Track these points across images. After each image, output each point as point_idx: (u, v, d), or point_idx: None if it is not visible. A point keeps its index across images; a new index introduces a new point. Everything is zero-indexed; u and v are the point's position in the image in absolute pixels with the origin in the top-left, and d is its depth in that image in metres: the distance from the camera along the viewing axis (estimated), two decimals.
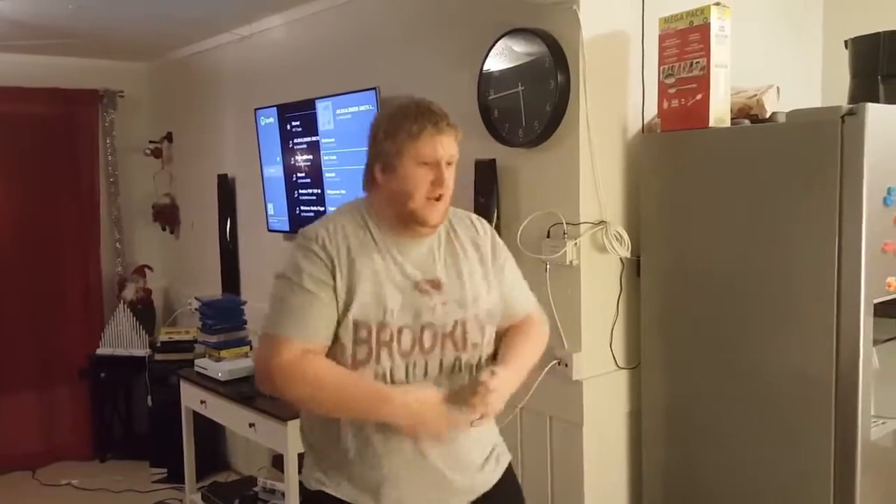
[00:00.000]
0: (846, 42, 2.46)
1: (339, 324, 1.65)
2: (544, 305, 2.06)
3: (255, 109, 3.77)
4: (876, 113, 1.95)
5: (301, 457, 3.00)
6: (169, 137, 4.99)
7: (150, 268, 5.02)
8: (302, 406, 1.77)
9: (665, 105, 2.37)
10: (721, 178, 2.27)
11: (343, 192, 3.29)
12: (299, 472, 3.05)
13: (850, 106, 1.97)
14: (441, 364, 1.70)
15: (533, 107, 2.44)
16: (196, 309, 3.80)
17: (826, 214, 2.00)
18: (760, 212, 2.16)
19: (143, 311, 4.85)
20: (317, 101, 3.33)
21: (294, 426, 2.82)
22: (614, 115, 2.47)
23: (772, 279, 2.14)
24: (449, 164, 1.67)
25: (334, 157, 3.31)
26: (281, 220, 3.76)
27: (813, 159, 2.03)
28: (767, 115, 2.35)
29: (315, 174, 3.44)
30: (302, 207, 3.58)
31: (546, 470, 2.56)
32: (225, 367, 3.45)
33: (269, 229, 3.87)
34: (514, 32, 2.48)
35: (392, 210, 1.69)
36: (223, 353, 3.55)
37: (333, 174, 3.33)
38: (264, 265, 4.08)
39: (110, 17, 3.72)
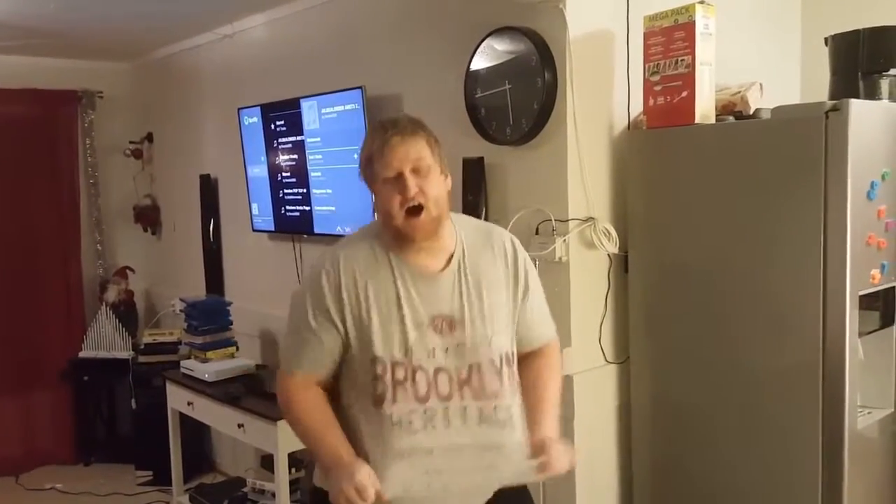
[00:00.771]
0: (826, 39, 2.50)
1: (353, 357, 1.66)
2: None
3: (239, 109, 3.75)
4: (859, 109, 1.99)
5: (291, 456, 3.02)
6: (149, 138, 4.96)
7: (131, 269, 4.98)
8: None
9: (651, 102, 2.39)
10: (707, 174, 2.30)
11: (329, 191, 3.29)
12: (289, 471, 3.07)
13: (834, 102, 2.00)
14: (465, 415, 1.63)
15: (520, 105, 2.45)
16: (181, 310, 3.77)
17: (811, 209, 2.03)
18: (746, 206, 2.19)
19: (126, 314, 4.80)
20: (302, 100, 3.33)
21: (284, 426, 2.80)
22: (601, 112, 2.49)
23: (758, 273, 2.17)
24: (415, 170, 1.61)
25: (320, 157, 3.31)
26: (266, 220, 3.75)
27: (798, 155, 2.06)
28: (751, 112, 2.38)
29: (300, 173, 3.44)
30: (287, 207, 3.57)
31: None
32: (212, 368, 3.44)
33: (254, 229, 3.86)
34: (501, 31, 2.49)
35: (387, 231, 1.68)
36: (209, 354, 3.55)
37: (319, 173, 3.33)
38: (249, 265, 4.07)
39: (91, 17, 3.68)
